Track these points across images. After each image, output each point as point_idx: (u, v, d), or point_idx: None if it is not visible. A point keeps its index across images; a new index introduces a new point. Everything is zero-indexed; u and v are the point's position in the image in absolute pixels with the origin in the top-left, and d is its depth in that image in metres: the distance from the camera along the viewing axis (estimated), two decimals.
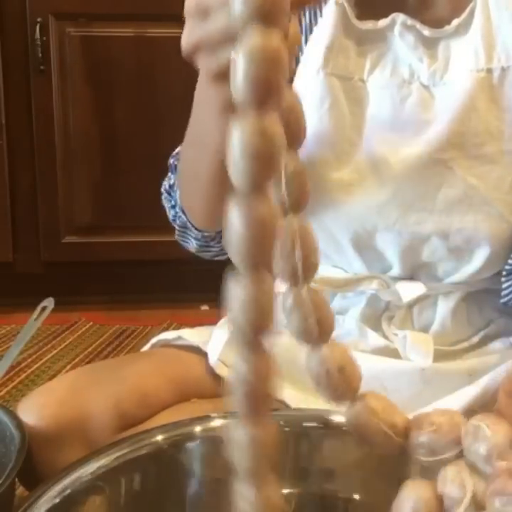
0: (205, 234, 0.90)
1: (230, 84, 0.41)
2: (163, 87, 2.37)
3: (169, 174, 0.94)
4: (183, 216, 0.90)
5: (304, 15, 0.89)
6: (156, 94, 2.38)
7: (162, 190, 0.95)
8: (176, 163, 0.92)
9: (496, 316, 0.91)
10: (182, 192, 0.89)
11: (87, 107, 2.38)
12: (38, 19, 2.29)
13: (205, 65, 0.59)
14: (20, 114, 2.36)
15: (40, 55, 2.31)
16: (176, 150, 0.93)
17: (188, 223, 0.90)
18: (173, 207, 0.93)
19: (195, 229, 0.89)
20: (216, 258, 0.96)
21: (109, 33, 2.36)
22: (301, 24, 0.89)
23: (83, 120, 2.39)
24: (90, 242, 2.45)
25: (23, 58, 2.33)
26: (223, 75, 0.51)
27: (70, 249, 2.45)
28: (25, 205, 2.42)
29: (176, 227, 0.94)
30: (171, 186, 0.93)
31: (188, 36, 0.59)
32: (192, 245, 0.95)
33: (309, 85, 0.86)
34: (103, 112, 2.40)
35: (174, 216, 0.93)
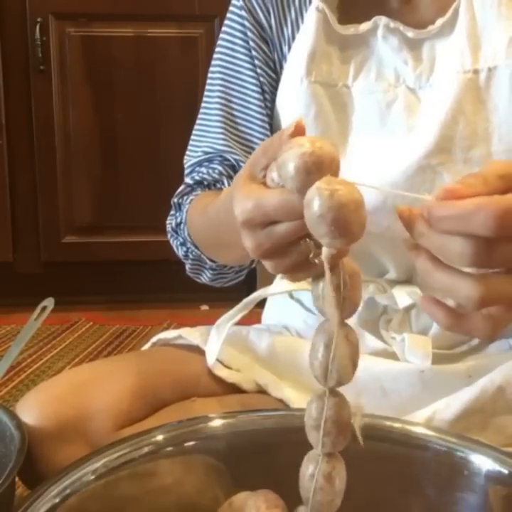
0: (220, 263, 0.90)
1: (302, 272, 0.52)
2: (163, 87, 2.37)
3: (173, 212, 0.94)
4: (196, 250, 0.90)
5: (286, 23, 0.89)
6: (156, 94, 2.38)
7: (168, 229, 0.95)
8: (180, 201, 0.92)
9: None
10: (195, 239, 0.89)
11: (87, 107, 2.38)
12: (38, 19, 2.29)
13: (275, 265, 0.57)
14: (20, 114, 2.36)
15: (40, 55, 2.31)
16: (179, 190, 0.93)
17: (202, 256, 0.90)
18: (183, 244, 0.92)
19: (210, 260, 0.89)
20: (230, 283, 0.96)
21: (109, 33, 2.36)
22: (283, 35, 0.89)
23: (83, 120, 2.39)
24: (90, 242, 2.45)
25: (23, 58, 2.33)
26: (296, 268, 0.54)
27: (70, 249, 2.45)
28: (25, 205, 2.42)
29: (189, 263, 0.94)
30: (177, 225, 0.92)
31: (257, 246, 0.56)
32: (205, 277, 0.95)
33: (293, 94, 0.86)
34: (103, 112, 2.40)
35: (186, 252, 0.93)
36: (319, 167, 0.47)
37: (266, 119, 0.91)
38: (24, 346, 0.93)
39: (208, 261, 0.90)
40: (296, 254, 0.53)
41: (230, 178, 0.90)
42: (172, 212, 0.94)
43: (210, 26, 2.32)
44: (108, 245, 2.44)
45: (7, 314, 2.25)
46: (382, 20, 0.83)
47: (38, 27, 2.29)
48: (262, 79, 0.90)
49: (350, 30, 0.85)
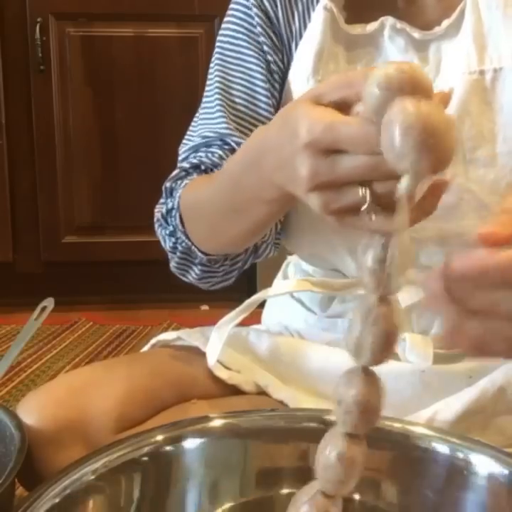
0: (212, 257, 0.85)
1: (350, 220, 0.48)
2: (163, 87, 2.37)
3: (164, 199, 0.89)
4: (186, 240, 0.85)
5: (294, 18, 0.88)
6: (155, 94, 2.38)
7: (157, 217, 0.89)
8: (173, 185, 0.87)
9: None
10: (189, 224, 0.84)
11: (87, 107, 2.38)
12: (38, 19, 2.29)
13: (324, 203, 0.53)
14: (20, 114, 2.36)
15: (40, 55, 2.31)
16: (172, 174, 0.88)
17: (192, 247, 0.85)
18: (172, 233, 0.87)
19: (201, 252, 0.84)
20: (216, 287, 0.92)
21: (109, 33, 2.36)
22: (291, 30, 0.88)
23: (83, 120, 2.39)
24: (90, 242, 2.45)
25: (23, 58, 2.33)
26: (344, 212, 0.50)
27: (70, 249, 2.45)
28: (25, 205, 2.42)
29: (176, 257, 0.88)
30: (168, 212, 0.87)
31: (315, 174, 0.52)
32: (192, 275, 0.90)
33: (300, 93, 0.85)
34: (103, 112, 2.40)
35: (175, 243, 0.87)
36: (411, 86, 0.43)
37: (271, 109, 0.89)
38: (24, 346, 0.93)
39: (198, 253, 0.85)
40: (351, 198, 0.50)
41: None
42: (162, 199, 0.89)
43: (210, 26, 2.32)
44: (108, 245, 2.45)
45: (7, 314, 2.25)
46: (388, 20, 0.83)
47: (38, 27, 2.29)
48: (272, 66, 0.88)
49: (357, 29, 0.84)
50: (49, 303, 0.95)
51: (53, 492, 0.58)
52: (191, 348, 0.91)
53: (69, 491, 0.59)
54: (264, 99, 0.88)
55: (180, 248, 0.87)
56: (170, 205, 0.86)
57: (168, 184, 0.88)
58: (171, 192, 0.88)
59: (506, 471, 0.62)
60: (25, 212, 2.42)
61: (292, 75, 0.87)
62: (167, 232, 0.88)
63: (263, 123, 0.87)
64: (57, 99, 2.35)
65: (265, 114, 0.88)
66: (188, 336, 0.92)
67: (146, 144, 2.42)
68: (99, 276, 2.49)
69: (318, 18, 0.85)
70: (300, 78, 0.85)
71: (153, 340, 0.96)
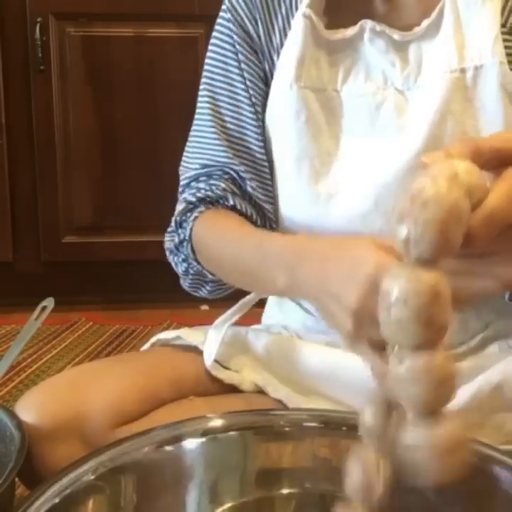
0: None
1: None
2: (163, 87, 2.37)
3: (173, 230, 0.93)
4: (198, 266, 0.90)
5: (274, 31, 0.89)
6: (155, 94, 2.38)
7: (169, 246, 0.94)
8: (182, 218, 0.91)
9: (493, 319, 0.90)
10: (201, 257, 0.89)
11: (87, 107, 2.38)
12: (38, 19, 2.29)
13: (355, 332, 0.59)
14: (20, 114, 2.36)
15: (40, 55, 2.30)
16: (179, 209, 0.92)
17: (203, 271, 0.90)
18: (184, 260, 0.92)
19: (212, 274, 0.90)
20: (228, 292, 0.96)
21: (109, 33, 2.35)
22: (272, 43, 0.89)
23: (83, 120, 2.38)
24: (90, 242, 2.45)
25: (23, 58, 2.32)
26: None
27: (70, 249, 2.45)
28: (25, 205, 2.41)
29: (189, 279, 0.94)
30: (180, 242, 0.91)
31: (355, 333, 0.59)
32: (205, 290, 0.95)
33: (284, 100, 0.86)
34: (103, 112, 2.40)
35: (187, 267, 0.92)
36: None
37: (259, 129, 0.91)
38: (24, 346, 0.93)
39: (209, 275, 0.90)
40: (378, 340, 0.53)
41: (233, 194, 0.89)
42: (171, 229, 0.93)
43: (210, 26, 2.30)
44: (108, 245, 2.44)
45: (7, 314, 2.25)
46: (368, 23, 0.84)
47: (38, 27, 2.29)
48: (251, 91, 0.90)
49: (337, 35, 0.85)
50: (49, 303, 0.95)
51: (53, 492, 0.58)
52: (190, 347, 0.91)
53: (69, 491, 0.59)
54: (253, 128, 0.90)
55: (191, 272, 0.92)
56: (182, 237, 0.91)
57: (177, 218, 0.92)
58: (180, 224, 0.91)
59: (504, 469, 0.62)
60: (25, 212, 2.42)
61: (276, 83, 0.88)
62: (179, 259, 0.92)
63: (251, 149, 0.90)
64: (57, 99, 2.35)
65: (255, 141, 0.90)
66: (188, 335, 0.92)
67: (146, 144, 2.42)
68: (99, 276, 2.48)
69: (298, 26, 0.86)
70: (283, 85, 0.86)
71: (152, 339, 0.96)
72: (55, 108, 2.35)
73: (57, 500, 0.58)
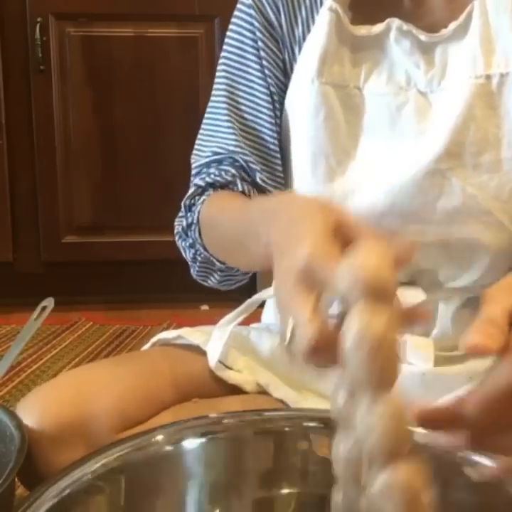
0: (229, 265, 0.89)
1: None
2: (163, 87, 2.37)
3: (183, 214, 0.92)
4: (205, 252, 0.88)
5: (297, 22, 0.88)
6: (155, 94, 2.38)
7: (178, 230, 0.93)
8: (192, 202, 0.90)
9: None
10: (207, 239, 0.88)
11: (87, 107, 2.39)
12: (38, 19, 2.29)
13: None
14: (20, 114, 2.36)
15: (40, 55, 2.31)
16: (189, 192, 0.91)
17: (211, 258, 0.88)
18: (192, 245, 0.91)
19: (219, 262, 0.88)
20: (237, 285, 0.95)
21: (109, 33, 2.36)
22: (294, 34, 0.88)
23: (83, 120, 2.39)
24: (90, 242, 2.45)
25: (23, 58, 2.33)
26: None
27: (70, 249, 2.45)
28: (25, 205, 2.42)
29: (196, 266, 0.93)
30: (188, 226, 0.90)
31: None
32: (213, 280, 0.94)
33: (304, 95, 0.85)
34: (103, 111, 2.40)
35: (194, 254, 0.91)
36: (373, 289, 0.45)
37: (274, 121, 0.90)
38: (24, 346, 0.93)
39: (216, 262, 0.88)
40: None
41: (242, 180, 0.89)
42: (181, 213, 0.93)
43: (210, 26, 2.32)
44: (108, 245, 2.45)
45: (7, 314, 2.25)
46: (395, 22, 0.83)
47: (38, 27, 2.29)
48: (269, 80, 0.89)
49: (362, 31, 0.84)
50: (49, 303, 0.95)
51: (53, 492, 0.58)
52: (192, 347, 0.91)
53: (69, 491, 0.59)
54: (268, 118, 0.89)
55: (199, 258, 0.91)
56: (190, 220, 0.90)
57: (187, 201, 0.91)
58: (189, 208, 0.91)
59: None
60: (25, 212, 2.42)
61: (296, 77, 0.87)
62: (187, 244, 0.91)
63: (265, 140, 0.89)
64: (57, 99, 2.35)
65: (269, 132, 0.89)
66: (189, 335, 0.92)
67: (146, 144, 2.42)
68: (99, 276, 2.49)
69: (323, 20, 0.84)
70: (304, 80, 0.85)
71: (153, 339, 0.96)
72: (55, 108, 2.36)
73: (57, 500, 0.58)
